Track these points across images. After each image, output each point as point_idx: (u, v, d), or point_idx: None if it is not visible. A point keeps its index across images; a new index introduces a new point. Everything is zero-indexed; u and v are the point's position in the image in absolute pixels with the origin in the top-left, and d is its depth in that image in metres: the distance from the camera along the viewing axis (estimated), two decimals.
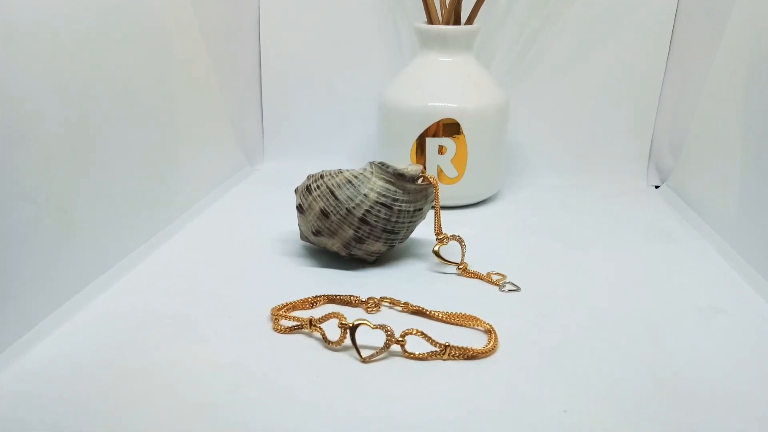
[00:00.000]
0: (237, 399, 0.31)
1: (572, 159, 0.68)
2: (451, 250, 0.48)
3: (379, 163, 0.45)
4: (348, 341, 0.35)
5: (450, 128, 0.56)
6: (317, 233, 0.45)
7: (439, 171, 0.57)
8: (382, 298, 0.41)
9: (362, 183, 0.44)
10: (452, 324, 0.39)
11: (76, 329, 0.37)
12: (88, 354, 0.35)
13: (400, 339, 0.35)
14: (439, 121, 0.56)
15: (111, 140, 0.45)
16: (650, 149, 0.68)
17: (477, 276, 0.45)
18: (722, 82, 0.57)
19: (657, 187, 0.67)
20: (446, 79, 0.57)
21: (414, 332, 0.35)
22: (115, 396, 0.31)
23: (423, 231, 0.51)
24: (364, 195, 0.44)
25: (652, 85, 0.66)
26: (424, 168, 0.54)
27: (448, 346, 0.35)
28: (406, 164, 0.45)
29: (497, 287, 0.44)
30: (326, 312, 0.40)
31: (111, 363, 0.34)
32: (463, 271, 0.45)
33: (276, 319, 0.38)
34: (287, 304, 0.40)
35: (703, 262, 0.48)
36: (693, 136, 0.62)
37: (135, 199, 0.48)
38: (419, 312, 0.40)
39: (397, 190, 0.44)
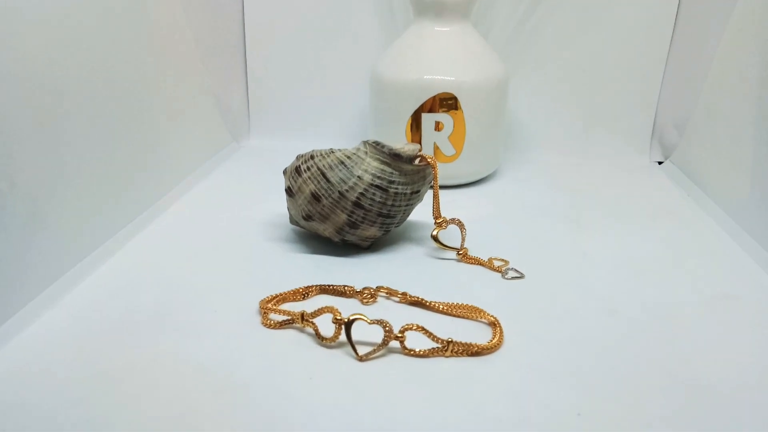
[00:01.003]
0: (223, 404, 0.29)
1: (572, 134, 0.66)
2: (449, 234, 0.45)
3: (374, 142, 0.42)
4: (343, 337, 0.33)
5: (447, 103, 0.53)
6: (308, 218, 0.42)
7: (436, 149, 0.54)
8: (378, 288, 0.38)
9: (356, 164, 0.41)
10: (454, 316, 0.36)
11: (45, 329, 0.34)
12: (60, 357, 0.32)
13: (399, 335, 0.32)
14: (435, 96, 0.52)
15: (84, 119, 0.41)
16: (654, 124, 0.65)
17: (478, 262, 0.43)
18: (733, 53, 0.54)
19: (660, 163, 0.65)
20: (443, 51, 0.54)
21: (414, 327, 0.32)
22: (90, 404, 0.29)
23: (420, 213, 0.48)
24: (358, 177, 0.41)
25: (657, 56, 0.63)
26: (421, 146, 0.51)
27: (451, 342, 0.32)
28: (403, 143, 0.42)
29: (500, 274, 0.41)
30: (319, 304, 0.37)
31: (85, 366, 0.31)
32: (463, 256, 0.43)
33: (265, 313, 0.35)
34: (277, 296, 0.37)
35: (712, 244, 0.46)
36: (700, 110, 0.59)
37: (111, 182, 0.45)
38: (418, 303, 0.37)
39: (393, 172, 0.41)
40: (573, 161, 0.64)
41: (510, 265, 0.42)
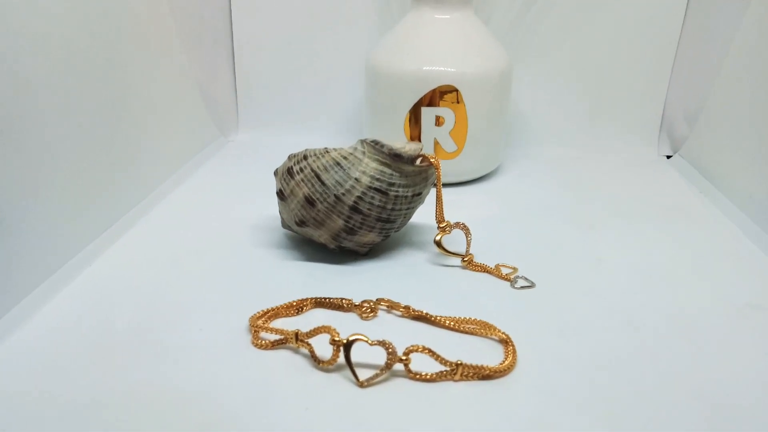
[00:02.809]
0: None
1: (577, 127, 0.63)
2: (453, 239, 0.42)
3: (372, 141, 0.39)
4: (341, 359, 0.30)
5: (448, 96, 0.49)
6: (301, 223, 0.39)
7: (436, 145, 0.51)
8: (379, 301, 0.35)
9: (353, 165, 0.38)
10: (462, 332, 0.33)
11: (8, 354, 0.31)
12: (21, 388, 0.29)
13: (404, 357, 0.30)
14: (435, 89, 0.49)
15: (55, 115, 0.38)
16: (662, 116, 0.62)
17: (484, 269, 0.40)
18: (750, 41, 0.51)
19: (669, 157, 0.62)
20: (443, 40, 0.50)
21: (420, 349, 0.30)
22: None
23: (421, 215, 0.45)
24: (355, 179, 0.38)
25: (667, 44, 0.60)
26: (423, 146, 0.48)
27: (460, 364, 0.29)
28: (403, 142, 0.39)
29: (508, 282, 0.38)
30: (314, 319, 0.34)
31: (50, 398, 0.28)
32: (469, 263, 0.40)
33: (256, 331, 0.32)
34: (268, 311, 0.34)
35: (731, 246, 0.43)
36: (713, 101, 0.56)
37: (86, 185, 0.41)
38: (422, 317, 0.34)
39: (393, 173, 0.38)
40: (578, 155, 0.61)
41: (519, 273, 0.39)
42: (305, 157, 0.39)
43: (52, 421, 0.26)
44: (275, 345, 0.32)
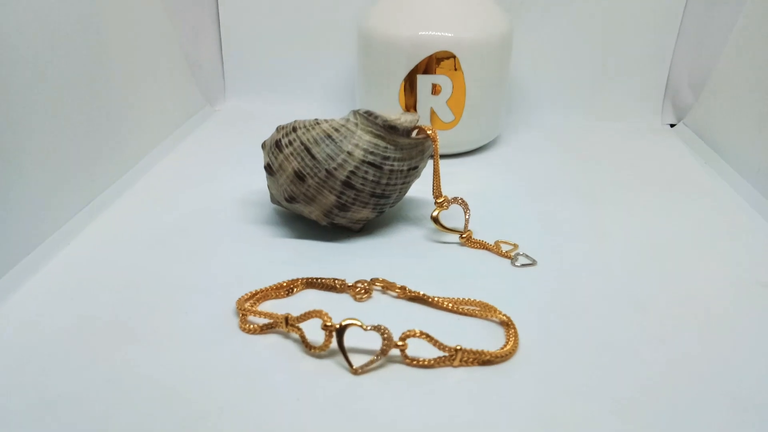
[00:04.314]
0: None
1: (579, 94, 0.60)
2: (450, 214, 0.40)
3: (365, 112, 0.36)
4: (334, 344, 0.28)
5: (445, 63, 0.47)
6: (291, 199, 0.37)
7: (432, 114, 0.49)
8: (373, 281, 0.33)
9: (345, 138, 0.36)
10: (461, 314, 0.32)
11: None
12: None
13: (400, 343, 0.28)
14: (432, 55, 0.46)
15: (28, 85, 0.35)
16: (667, 83, 0.60)
17: (483, 246, 0.38)
18: (759, 6, 0.49)
19: (672, 125, 0.60)
20: (439, 3, 0.48)
21: (417, 334, 0.28)
22: None
23: (417, 189, 0.43)
24: (348, 153, 0.35)
25: (673, 9, 0.57)
26: (419, 116, 0.46)
27: (459, 350, 0.28)
28: (398, 113, 0.37)
29: (509, 260, 0.37)
30: (305, 300, 0.33)
31: (23, 392, 0.26)
32: (467, 240, 0.38)
33: (243, 315, 0.31)
34: (256, 293, 0.32)
35: (738, 220, 0.42)
36: (720, 68, 0.54)
37: (63, 159, 0.39)
38: (419, 299, 0.33)
39: (388, 146, 0.36)
40: (579, 124, 0.59)
41: (520, 250, 0.37)
42: (294, 129, 0.37)
43: (21, 416, 0.25)
44: (264, 329, 0.30)
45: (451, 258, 0.37)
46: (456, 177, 0.47)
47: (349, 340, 0.28)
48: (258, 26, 0.60)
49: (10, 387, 0.26)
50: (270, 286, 0.33)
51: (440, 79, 0.47)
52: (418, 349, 0.28)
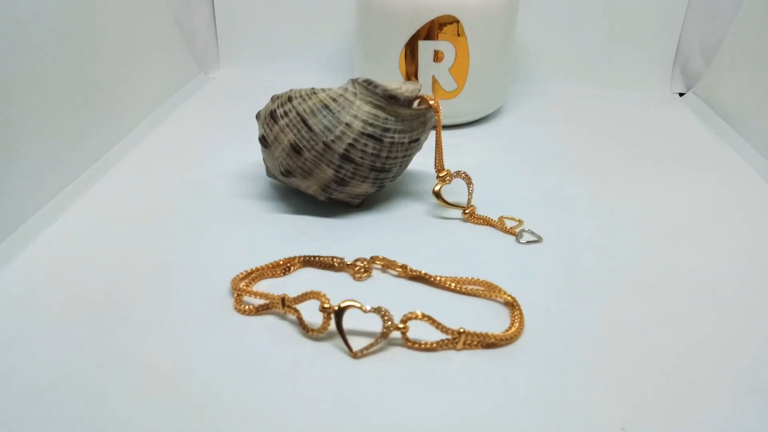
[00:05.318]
0: (186, 422, 0.23)
1: (585, 62, 0.58)
2: (453, 189, 0.39)
3: (364, 80, 0.35)
4: (332, 326, 0.27)
5: (447, 28, 0.45)
6: (287, 173, 0.36)
7: (434, 83, 0.47)
8: (373, 259, 0.32)
9: (343, 108, 0.34)
10: (464, 294, 0.31)
11: None
12: None
13: (401, 325, 0.27)
14: (434, 20, 0.44)
15: (14, 55, 0.33)
16: (677, 50, 0.58)
17: (487, 222, 0.37)
18: None
19: (681, 94, 0.58)
20: None
21: (419, 316, 0.27)
22: (18, 425, 0.23)
23: (418, 162, 0.42)
24: (346, 124, 0.34)
25: None
26: (421, 85, 0.44)
27: (463, 332, 0.27)
28: (399, 82, 0.35)
29: (513, 237, 0.35)
30: (303, 280, 0.32)
31: (8, 378, 0.25)
32: (470, 216, 0.37)
33: (238, 295, 0.29)
34: (252, 272, 0.31)
35: (752, 195, 0.40)
36: (732, 35, 0.51)
37: (52, 131, 0.37)
38: (421, 278, 0.31)
39: (388, 117, 0.34)
40: (586, 93, 0.57)
41: (525, 226, 0.36)
42: (290, 99, 0.35)
43: (7, 403, 0.24)
44: (260, 310, 0.29)
45: (454, 234, 0.36)
46: (458, 149, 0.46)
47: (348, 322, 0.27)
48: None
49: None
50: (266, 265, 0.32)
51: (442, 45, 0.45)
52: (419, 331, 0.27)
